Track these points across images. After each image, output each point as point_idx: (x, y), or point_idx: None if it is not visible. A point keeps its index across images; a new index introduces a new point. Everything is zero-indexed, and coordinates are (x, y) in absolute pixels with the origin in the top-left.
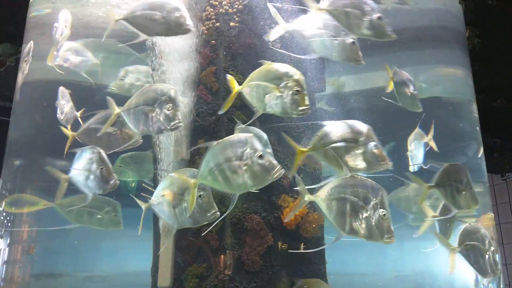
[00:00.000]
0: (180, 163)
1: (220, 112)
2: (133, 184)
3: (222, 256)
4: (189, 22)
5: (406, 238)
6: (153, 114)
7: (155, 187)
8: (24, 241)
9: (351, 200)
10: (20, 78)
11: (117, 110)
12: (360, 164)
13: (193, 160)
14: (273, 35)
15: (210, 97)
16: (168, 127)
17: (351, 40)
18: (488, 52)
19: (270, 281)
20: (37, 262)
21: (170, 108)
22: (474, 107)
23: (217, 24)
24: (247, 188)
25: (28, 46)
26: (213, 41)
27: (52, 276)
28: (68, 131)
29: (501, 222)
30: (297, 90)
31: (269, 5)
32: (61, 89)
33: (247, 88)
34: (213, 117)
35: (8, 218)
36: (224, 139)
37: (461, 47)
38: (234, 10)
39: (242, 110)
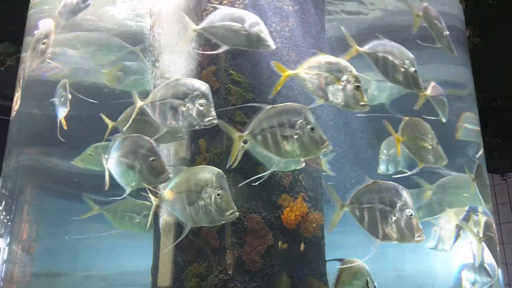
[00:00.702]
0: (180, 162)
1: (269, 96)
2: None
3: (223, 255)
4: (269, 38)
5: None
6: (184, 109)
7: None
8: (24, 240)
9: (380, 205)
10: (35, 62)
11: (140, 103)
12: (431, 157)
13: (193, 159)
14: (346, 56)
15: None
16: (202, 123)
17: (414, 69)
18: (488, 52)
19: (270, 281)
20: (36, 261)
21: (204, 104)
22: (475, 107)
23: None
24: (293, 156)
25: (48, 28)
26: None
27: (51, 275)
28: (108, 120)
29: (501, 222)
30: (357, 86)
31: (343, 29)
32: (62, 81)
33: (306, 75)
34: None
35: (8, 217)
36: (279, 105)
37: (461, 47)
38: None
39: (243, 110)
